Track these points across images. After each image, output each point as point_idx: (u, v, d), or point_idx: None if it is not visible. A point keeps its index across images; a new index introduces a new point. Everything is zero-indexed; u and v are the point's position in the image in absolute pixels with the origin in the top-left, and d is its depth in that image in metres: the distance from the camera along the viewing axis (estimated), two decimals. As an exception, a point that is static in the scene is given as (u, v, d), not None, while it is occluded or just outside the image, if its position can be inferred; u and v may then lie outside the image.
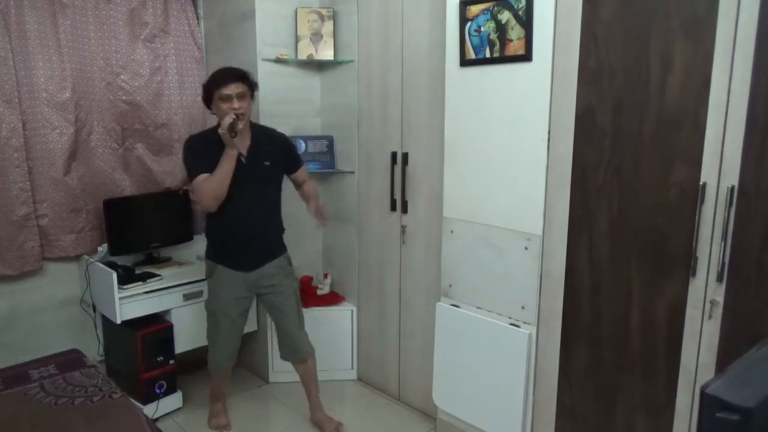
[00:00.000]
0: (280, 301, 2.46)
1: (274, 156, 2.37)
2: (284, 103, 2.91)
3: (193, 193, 2.22)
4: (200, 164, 2.23)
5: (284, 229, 2.50)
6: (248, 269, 2.38)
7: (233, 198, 2.25)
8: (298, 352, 2.53)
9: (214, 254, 2.41)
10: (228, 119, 2.15)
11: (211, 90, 2.25)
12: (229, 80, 2.21)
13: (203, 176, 2.21)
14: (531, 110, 1.98)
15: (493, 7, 2.01)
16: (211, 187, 2.20)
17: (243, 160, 2.27)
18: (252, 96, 2.32)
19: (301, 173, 2.54)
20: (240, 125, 2.20)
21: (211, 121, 3.22)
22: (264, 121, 2.82)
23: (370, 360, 3.01)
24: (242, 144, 2.29)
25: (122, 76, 2.84)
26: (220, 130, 2.17)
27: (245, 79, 2.26)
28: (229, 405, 2.75)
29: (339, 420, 2.62)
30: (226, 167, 2.19)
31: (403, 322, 2.77)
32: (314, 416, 2.63)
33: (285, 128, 2.97)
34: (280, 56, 2.82)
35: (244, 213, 2.31)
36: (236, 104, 2.20)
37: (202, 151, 2.27)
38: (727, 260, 1.62)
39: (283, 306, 2.47)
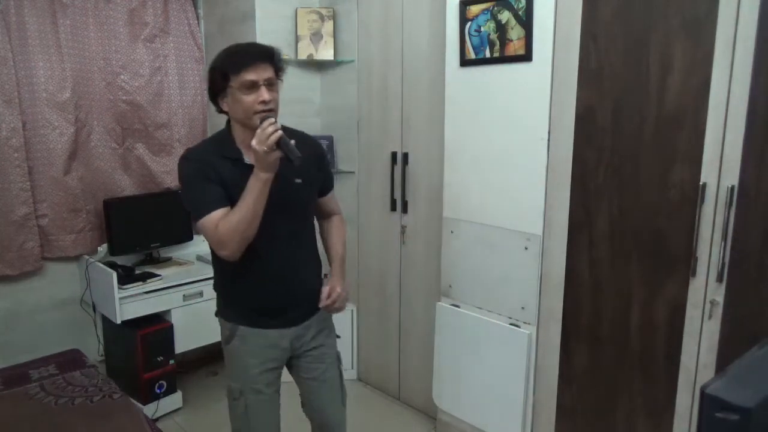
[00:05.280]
0: (321, 369, 1.77)
1: (307, 169, 1.61)
2: (284, 103, 2.88)
3: (207, 237, 1.51)
4: (211, 194, 1.49)
5: (321, 269, 1.81)
6: (286, 325, 1.67)
7: (259, 233, 1.50)
8: None
9: (232, 312, 1.67)
10: (271, 130, 1.38)
11: (225, 75, 1.49)
12: (256, 60, 1.47)
13: (219, 212, 1.47)
14: (531, 110, 1.98)
15: (493, 7, 2.01)
16: (239, 229, 1.43)
17: None
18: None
19: (331, 200, 1.82)
20: (291, 140, 1.43)
21: (213, 122, 3.24)
22: (264, 121, 2.81)
23: (370, 360, 3.01)
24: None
25: (122, 76, 2.84)
26: (256, 145, 1.38)
27: (274, 60, 1.52)
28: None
29: None
30: (257, 197, 1.42)
31: (403, 322, 2.77)
32: None
33: (285, 128, 2.98)
34: (280, 56, 2.82)
35: (276, 252, 1.60)
36: (266, 95, 1.47)
37: (210, 173, 1.50)
38: (727, 260, 1.62)
39: (324, 375, 1.78)
